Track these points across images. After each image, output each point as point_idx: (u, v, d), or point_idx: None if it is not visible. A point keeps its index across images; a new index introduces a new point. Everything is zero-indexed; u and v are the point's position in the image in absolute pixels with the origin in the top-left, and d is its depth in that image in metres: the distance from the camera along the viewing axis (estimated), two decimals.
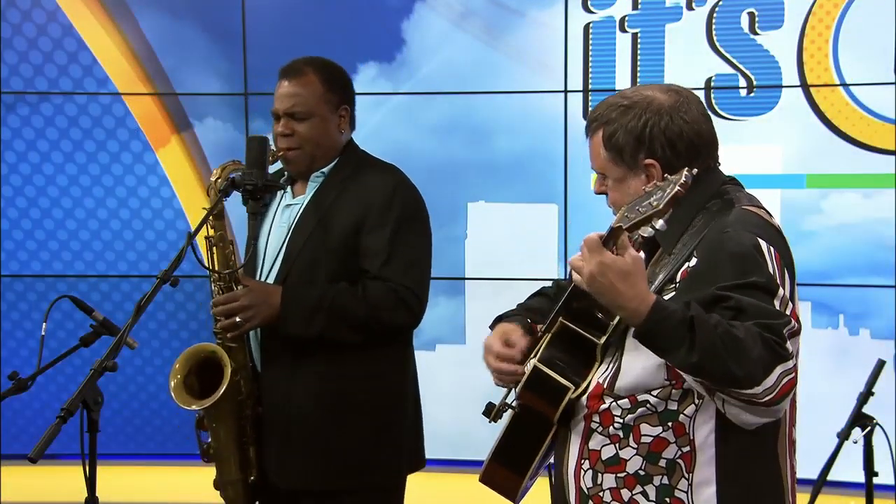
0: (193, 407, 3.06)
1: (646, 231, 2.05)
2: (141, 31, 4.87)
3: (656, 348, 2.08)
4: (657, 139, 2.23)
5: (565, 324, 2.27)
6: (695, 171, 2.11)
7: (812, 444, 3.50)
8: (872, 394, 3.36)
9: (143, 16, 4.86)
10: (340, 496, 3.14)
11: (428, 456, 3.33)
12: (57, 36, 4.85)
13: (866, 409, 3.33)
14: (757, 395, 2.03)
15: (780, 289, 2.09)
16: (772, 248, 2.14)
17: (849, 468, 3.39)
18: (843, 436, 3.31)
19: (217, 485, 3.20)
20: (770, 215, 2.28)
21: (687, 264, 2.18)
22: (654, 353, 2.10)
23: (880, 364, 3.45)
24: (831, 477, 3.35)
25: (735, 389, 2.03)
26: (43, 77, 4.88)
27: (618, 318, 2.20)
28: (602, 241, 2.07)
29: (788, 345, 2.05)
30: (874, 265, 4.44)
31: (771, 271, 2.11)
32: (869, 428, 3.30)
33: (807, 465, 3.42)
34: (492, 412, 2.43)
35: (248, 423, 3.16)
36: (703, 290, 2.11)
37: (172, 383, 3.06)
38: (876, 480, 3.39)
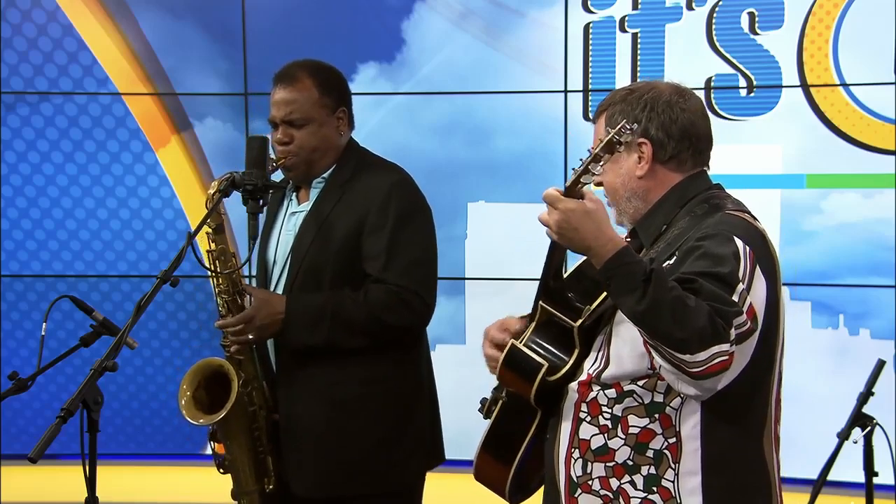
0: (201, 422, 3.05)
1: (588, 178, 2.16)
2: (141, 31, 4.87)
3: (611, 291, 2.17)
4: (653, 121, 2.35)
5: (545, 308, 2.35)
6: (634, 125, 2.26)
7: (812, 444, 3.51)
8: (872, 394, 3.37)
9: (143, 16, 4.86)
10: (358, 501, 3.14)
11: None
12: (57, 36, 4.85)
13: (866, 409, 3.33)
14: (686, 363, 2.11)
15: (741, 284, 2.16)
16: (747, 248, 2.21)
17: (849, 468, 3.39)
18: (843, 436, 3.31)
19: (234, 496, 3.21)
20: (754, 219, 2.35)
21: (668, 262, 2.25)
22: (610, 296, 2.21)
23: (880, 364, 3.46)
24: (831, 477, 3.35)
25: (668, 349, 2.11)
26: (43, 77, 4.88)
27: (595, 303, 2.30)
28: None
29: (732, 331, 2.12)
30: (874, 265, 4.44)
31: (741, 270, 2.18)
32: (869, 428, 3.30)
33: (807, 465, 3.44)
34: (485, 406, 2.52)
35: (262, 433, 3.16)
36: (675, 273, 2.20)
37: (183, 401, 3.06)
38: (876, 480, 3.39)
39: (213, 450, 3.20)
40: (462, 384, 4.74)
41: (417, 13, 4.75)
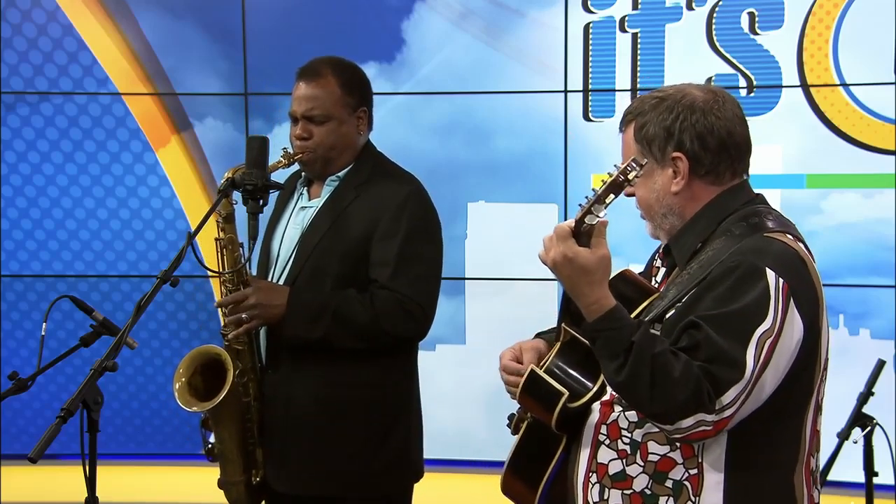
0: (195, 409, 3.06)
1: (592, 220, 2.04)
2: (141, 31, 4.86)
3: (595, 351, 2.11)
4: (687, 132, 2.19)
5: (568, 330, 2.26)
6: (644, 161, 2.10)
7: None
8: (872, 394, 3.37)
9: (143, 16, 4.86)
10: (340, 503, 3.14)
11: (428, 456, 3.33)
12: (57, 36, 4.85)
13: (866, 409, 3.33)
14: (666, 430, 2.07)
15: (762, 326, 2.04)
16: (781, 281, 2.07)
17: (849, 468, 3.39)
18: (843, 436, 3.31)
19: (220, 485, 3.21)
20: (797, 239, 2.20)
21: (695, 289, 2.13)
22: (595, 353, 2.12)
23: (880, 364, 3.46)
24: (831, 477, 3.35)
25: (647, 417, 2.09)
26: (43, 77, 4.88)
27: None
28: (573, 233, 2.07)
29: (725, 397, 2.02)
30: (874, 265, 4.44)
31: (769, 310, 2.06)
32: (869, 428, 3.30)
33: None
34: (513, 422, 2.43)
35: (254, 425, 3.16)
36: (696, 307, 2.09)
37: (177, 385, 3.06)
38: (876, 480, 3.39)
39: (203, 437, 3.20)
40: (462, 384, 4.76)
41: (417, 13, 4.74)
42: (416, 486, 3.30)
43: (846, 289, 4.47)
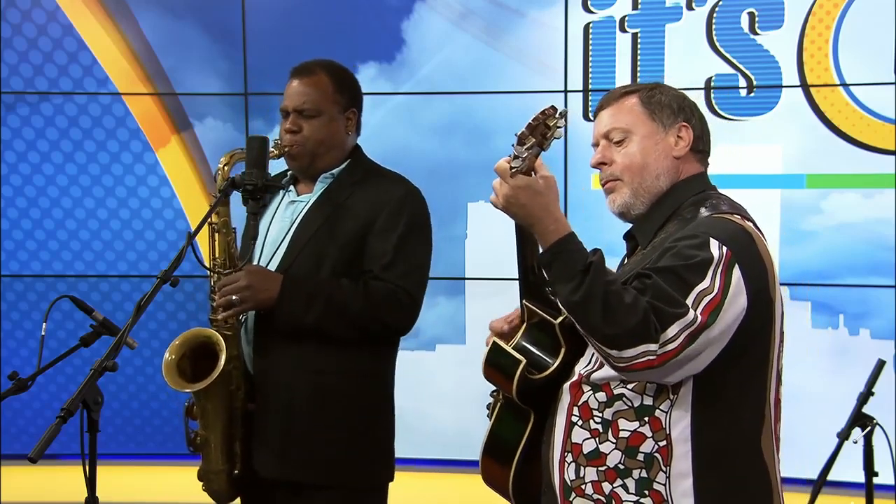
0: (187, 390, 3.06)
1: (517, 162, 2.16)
2: (141, 31, 4.87)
3: (550, 276, 2.19)
4: (695, 113, 2.40)
5: (533, 310, 2.36)
6: (563, 109, 2.24)
7: (812, 444, 3.51)
8: (872, 394, 3.37)
9: (143, 16, 4.86)
10: (323, 491, 3.14)
11: (428, 456, 3.33)
12: (57, 36, 4.86)
13: (866, 409, 3.34)
14: (612, 357, 2.13)
15: (703, 283, 2.14)
16: (724, 248, 2.18)
17: (849, 468, 3.39)
18: (843, 436, 3.31)
19: (201, 475, 3.20)
20: (745, 219, 2.32)
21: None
22: (548, 281, 2.21)
23: (880, 364, 3.46)
24: (831, 477, 3.35)
25: (596, 342, 2.14)
26: (43, 77, 4.88)
27: None
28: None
29: (670, 331, 2.10)
30: (874, 265, 4.44)
31: (709, 270, 2.15)
32: (869, 428, 3.30)
33: (807, 465, 3.44)
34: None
35: (237, 415, 3.16)
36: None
37: (165, 366, 3.05)
38: (876, 480, 3.40)
39: (186, 426, 3.19)
40: (462, 384, 4.75)
41: (417, 13, 4.75)
42: (417, 485, 3.30)
43: (846, 289, 4.47)
